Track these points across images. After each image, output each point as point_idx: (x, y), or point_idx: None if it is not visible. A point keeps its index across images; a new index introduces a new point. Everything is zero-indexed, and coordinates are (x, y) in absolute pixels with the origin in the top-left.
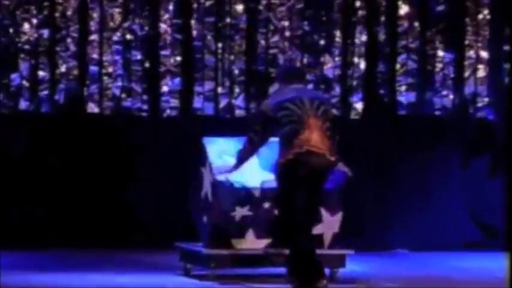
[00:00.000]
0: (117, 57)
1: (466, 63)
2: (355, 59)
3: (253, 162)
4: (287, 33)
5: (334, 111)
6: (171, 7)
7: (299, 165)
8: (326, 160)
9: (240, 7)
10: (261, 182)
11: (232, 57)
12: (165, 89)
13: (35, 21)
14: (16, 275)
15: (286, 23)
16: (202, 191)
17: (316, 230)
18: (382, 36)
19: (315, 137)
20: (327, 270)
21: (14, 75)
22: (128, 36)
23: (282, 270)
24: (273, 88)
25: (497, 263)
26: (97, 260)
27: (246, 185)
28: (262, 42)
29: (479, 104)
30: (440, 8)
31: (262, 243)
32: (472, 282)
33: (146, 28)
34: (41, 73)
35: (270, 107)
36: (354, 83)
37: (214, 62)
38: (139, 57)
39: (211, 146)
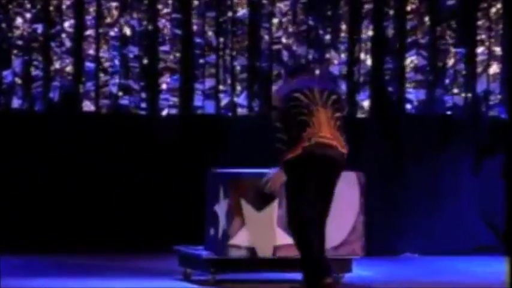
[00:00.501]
0: (114, 53)
1: (478, 59)
2: (362, 55)
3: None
4: (291, 28)
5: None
6: (170, 1)
7: (309, 159)
8: (337, 152)
9: (242, 1)
10: (274, 247)
11: (234, 53)
12: (164, 86)
13: (28, 15)
14: (16, 280)
15: (290, 18)
16: (214, 206)
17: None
18: (390, 31)
19: (323, 129)
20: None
21: (6, 72)
22: (126, 32)
23: (284, 275)
24: None
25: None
26: (96, 264)
27: (257, 251)
28: (266, 37)
29: (492, 102)
30: (451, 1)
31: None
32: (482, 286)
33: (144, 23)
34: (34, 70)
35: (279, 99)
36: (361, 80)
37: (215, 58)
38: (137, 53)
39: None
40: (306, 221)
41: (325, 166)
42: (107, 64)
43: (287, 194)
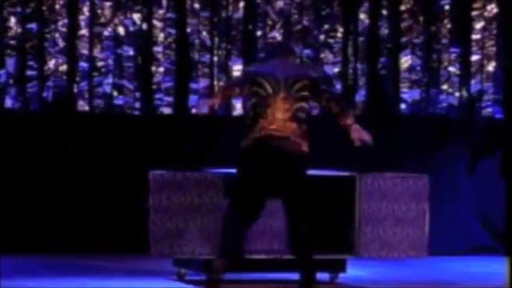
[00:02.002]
0: (108, 53)
1: (473, 59)
2: (357, 55)
3: None
4: (286, 28)
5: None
6: (164, 1)
7: (257, 151)
8: (290, 143)
9: (236, 0)
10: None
11: (228, 53)
12: (158, 86)
13: (21, 15)
14: (16, 280)
15: (285, 18)
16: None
17: None
18: (384, 31)
19: (277, 122)
20: (326, 275)
21: None
22: (120, 32)
23: (278, 275)
24: None
25: (505, 268)
26: (92, 265)
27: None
28: (260, 37)
29: (486, 102)
30: (446, 1)
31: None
32: (479, 287)
33: (138, 23)
34: (28, 70)
35: (246, 74)
36: (355, 80)
37: (209, 58)
38: (131, 53)
39: None
40: (241, 211)
41: (275, 157)
42: (100, 64)
43: (234, 180)
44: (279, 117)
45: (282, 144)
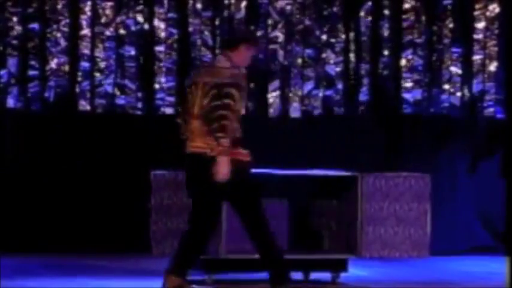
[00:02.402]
0: (110, 53)
1: (475, 58)
2: (358, 55)
3: None
4: (287, 28)
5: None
6: (166, 1)
7: (187, 168)
8: (205, 158)
9: (238, 0)
10: None
11: None
12: (160, 86)
13: (23, 15)
14: (16, 280)
15: (286, 17)
16: None
17: None
18: (386, 31)
19: (197, 139)
20: (328, 275)
21: (1, 72)
22: (121, 31)
23: None
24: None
25: (505, 268)
26: (94, 265)
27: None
28: (262, 37)
29: (488, 102)
30: (448, 0)
31: None
32: (479, 287)
33: (140, 23)
34: (30, 69)
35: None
36: (357, 79)
37: (211, 58)
38: (133, 53)
39: None
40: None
41: (197, 176)
42: (102, 64)
43: None
44: (197, 135)
45: (199, 161)
